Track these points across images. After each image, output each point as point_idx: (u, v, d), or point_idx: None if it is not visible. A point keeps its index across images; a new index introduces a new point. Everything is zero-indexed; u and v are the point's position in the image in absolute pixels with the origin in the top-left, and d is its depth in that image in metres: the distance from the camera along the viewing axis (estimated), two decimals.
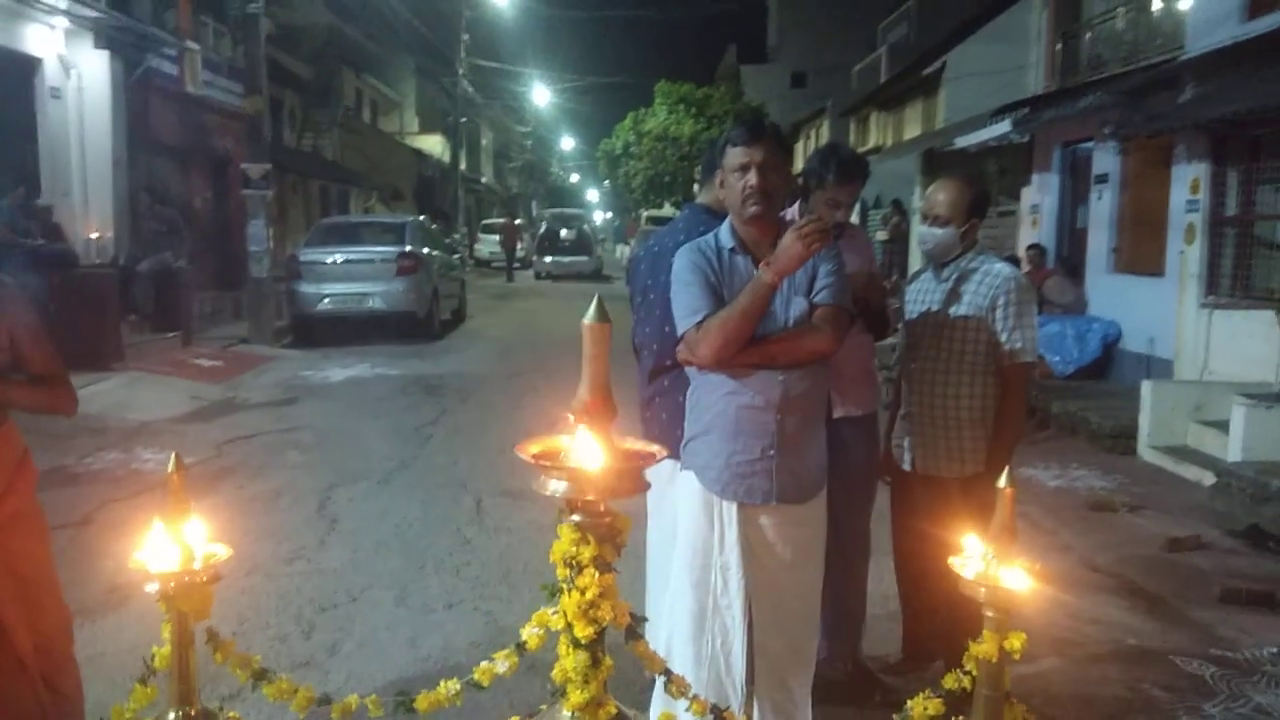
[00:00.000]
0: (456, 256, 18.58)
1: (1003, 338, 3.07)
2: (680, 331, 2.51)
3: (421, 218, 17.83)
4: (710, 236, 2.59)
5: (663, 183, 31.83)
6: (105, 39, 11.82)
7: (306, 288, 13.10)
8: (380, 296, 13.19)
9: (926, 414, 3.19)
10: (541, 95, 43.75)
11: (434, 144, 33.73)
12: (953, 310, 3.13)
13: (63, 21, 11.13)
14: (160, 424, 7.89)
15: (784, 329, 2.46)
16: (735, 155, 2.46)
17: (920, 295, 3.28)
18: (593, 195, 68.72)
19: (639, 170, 31.97)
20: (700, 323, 2.44)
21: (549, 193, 63.15)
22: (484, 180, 43.60)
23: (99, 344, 9.50)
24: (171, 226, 12.31)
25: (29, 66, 11.03)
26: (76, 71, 11.55)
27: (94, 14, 11.40)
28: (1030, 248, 11.54)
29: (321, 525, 5.36)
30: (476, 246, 32.92)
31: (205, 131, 15.62)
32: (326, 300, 13.11)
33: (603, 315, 1.62)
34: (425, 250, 14.17)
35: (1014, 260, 9.81)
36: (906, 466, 3.27)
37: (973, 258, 3.17)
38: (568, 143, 62.59)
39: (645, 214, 33.04)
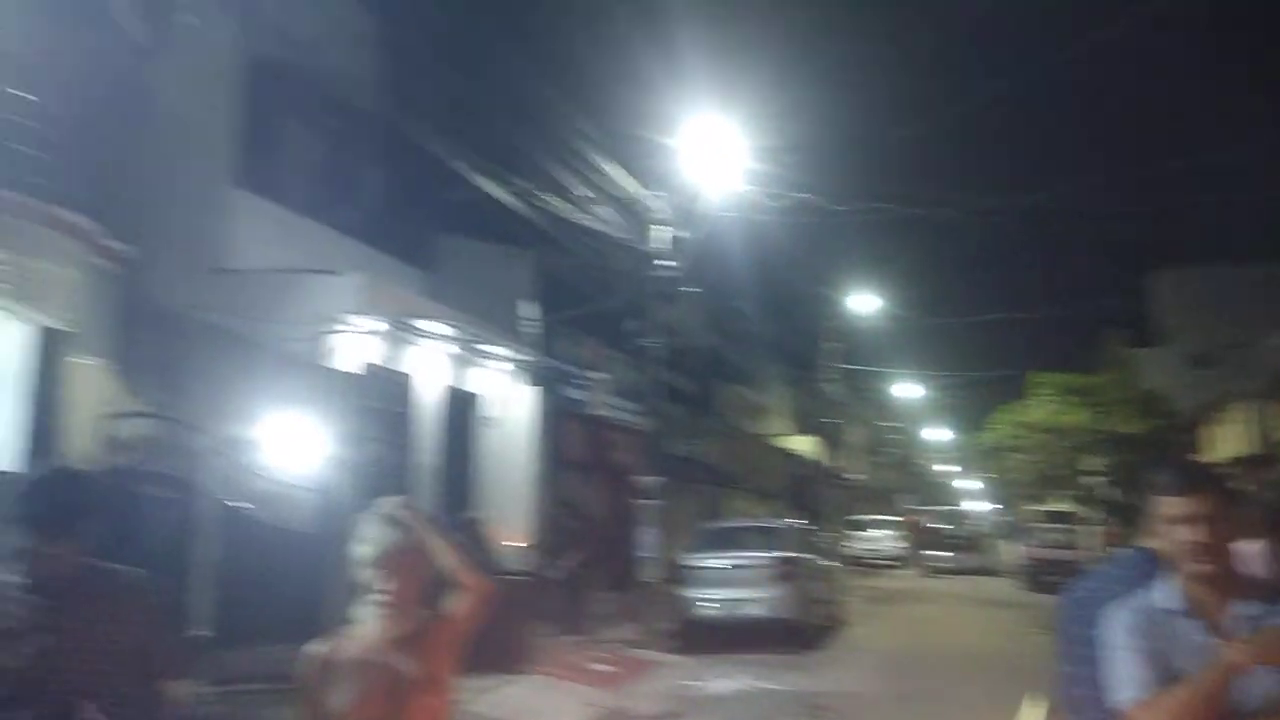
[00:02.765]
0: (829, 561, 18.35)
1: None
2: (1122, 705, 2.20)
3: (795, 520, 18.04)
4: (1148, 595, 2.31)
5: (1055, 476, 29.77)
6: (533, 376, 14.01)
7: (689, 593, 13.57)
8: (759, 603, 13.26)
9: None
10: (907, 391, 44.03)
11: (804, 444, 34.76)
12: None
13: (503, 367, 13.43)
14: None
15: (1253, 714, 2.06)
16: (1170, 506, 2.22)
17: None
18: (964, 485, 65.96)
19: (1026, 463, 30.30)
20: (1145, 701, 2.12)
21: (920, 486, 61.52)
22: (854, 476, 43.68)
23: (510, 647, 10.36)
24: (577, 535, 13.60)
25: (469, 400, 13.29)
26: (507, 403, 13.72)
27: (529, 359, 13.66)
28: None
29: None
30: (849, 544, 32.42)
31: (607, 447, 17.48)
32: (708, 605, 13.43)
33: None
34: (801, 554, 14.21)
35: None
36: None
37: None
38: (935, 434, 61.54)
39: (1041, 508, 30.86)
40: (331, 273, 9.85)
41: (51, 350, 6.17)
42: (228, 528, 7.17)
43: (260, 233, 10.55)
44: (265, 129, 11.20)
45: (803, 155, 15.77)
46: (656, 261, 14.64)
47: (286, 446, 8.43)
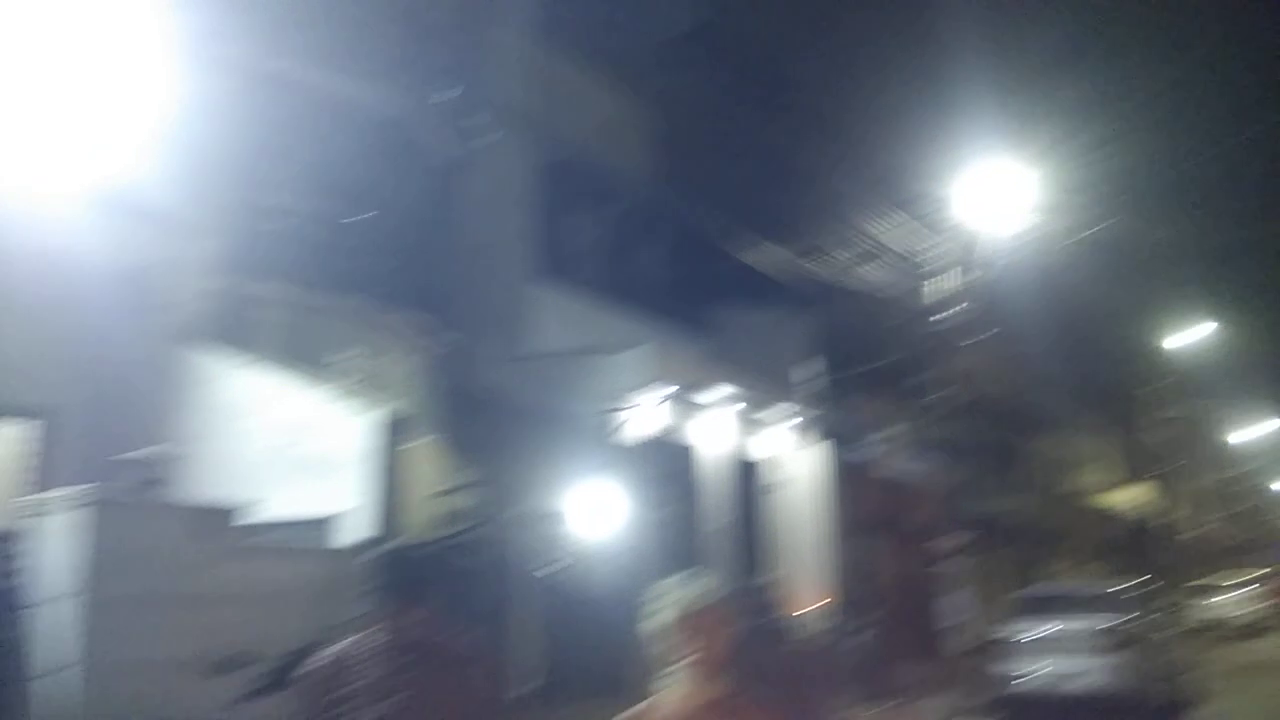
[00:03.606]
0: (1173, 628, 16.25)
1: None
2: None
3: (1128, 582, 16.23)
4: None
5: None
6: (819, 437, 13.84)
7: (1008, 664, 12.56)
8: (1089, 675, 11.99)
9: None
10: (1256, 430, 38.55)
11: (1132, 496, 31.31)
12: None
13: (788, 429, 13.42)
14: None
15: None
16: None
17: None
18: None
19: None
20: None
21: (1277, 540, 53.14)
22: (1196, 530, 38.60)
23: (812, 716, 10.12)
24: (875, 601, 13.11)
25: (756, 465, 13.32)
26: (794, 466, 13.63)
27: (813, 419, 13.55)
28: None
29: None
30: (1198, 608, 28.51)
31: (902, 507, 16.79)
32: (1030, 678, 12.34)
33: None
34: (1138, 620, 12.72)
35: None
36: None
37: None
38: None
39: None
40: (624, 349, 10.43)
41: (389, 435, 7.03)
42: (544, 592, 7.69)
43: (558, 318, 11.45)
44: (559, 223, 12.22)
45: (1099, 184, 14.61)
46: (941, 312, 14.09)
47: (590, 515, 8.95)
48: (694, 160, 14.23)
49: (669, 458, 10.88)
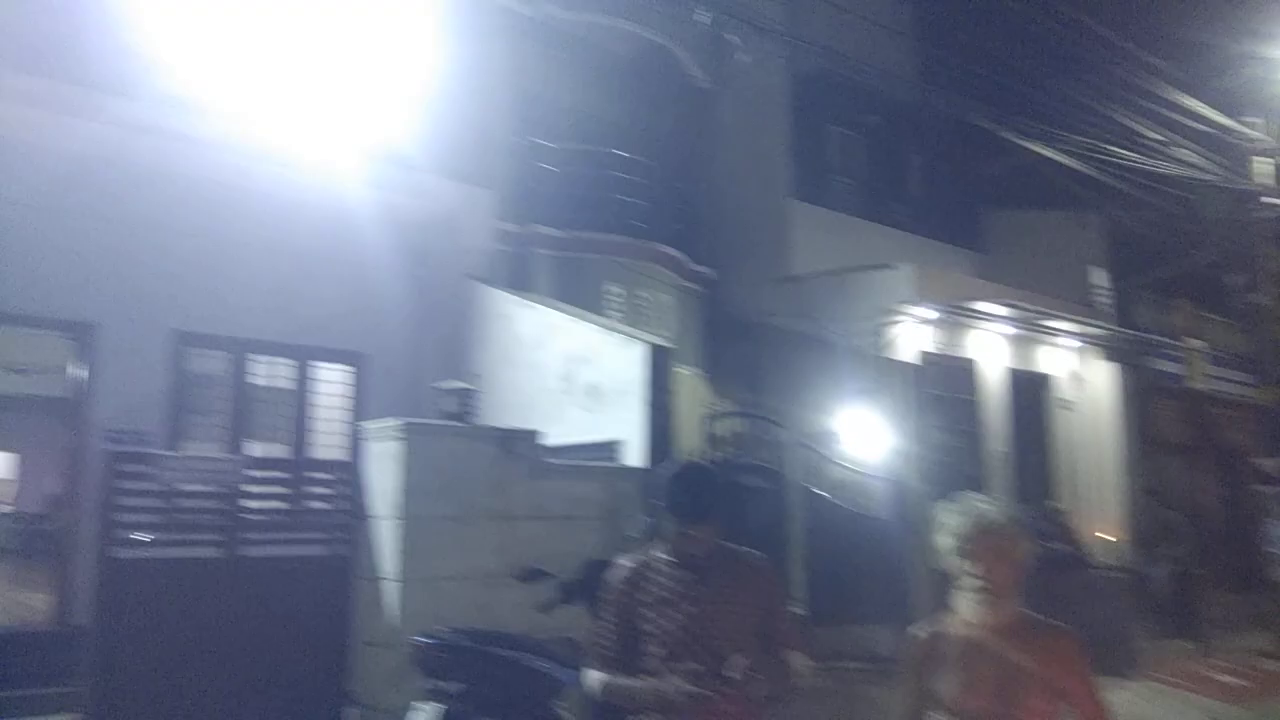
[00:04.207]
0: None
1: None
2: None
3: None
4: None
5: None
6: (1113, 352, 12.68)
7: None
8: None
9: None
10: None
11: None
12: None
13: (1074, 343, 12.39)
14: None
15: None
16: None
17: None
18: None
19: None
20: None
21: None
22: None
23: (1111, 649, 9.48)
24: (1181, 527, 11.97)
25: (1040, 382, 12.45)
26: (1086, 383, 12.59)
27: (1104, 333, 12.41)
28: None
29: None
30: None
31: (1210, 426, 15.09)
32: None
33: None
34: None
35: None
36: None
37: None
38: None
39: None
40: (884, 266, 10.05)
41: (659, 363, 7.26)
42: (812, 514, 7.72)
43: (816, 238, 11.22)
44: (812, 140, 11.89)
45: None
46: (1264, 199, 12.25)
47: (858, 437, 8.82)
48: (958, 54, 13.21)
49: (940, 376, 10.43)
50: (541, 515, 6.31)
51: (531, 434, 6.40)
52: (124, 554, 5.20)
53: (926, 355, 10.24)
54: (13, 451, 14.17)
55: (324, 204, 8.20)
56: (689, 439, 7.46)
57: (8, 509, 13.43)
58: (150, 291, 7.51)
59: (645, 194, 10.55)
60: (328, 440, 8.45)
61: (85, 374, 7.46)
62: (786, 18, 10.85)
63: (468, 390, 6.40)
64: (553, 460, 6.58)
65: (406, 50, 8.48)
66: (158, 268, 7.53)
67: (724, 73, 11.01)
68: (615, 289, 9.76)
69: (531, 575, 4.87)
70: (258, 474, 5.94)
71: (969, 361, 11.05)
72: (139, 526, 5.16)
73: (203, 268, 7.71)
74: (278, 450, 8.21)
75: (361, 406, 8.63)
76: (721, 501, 2.86)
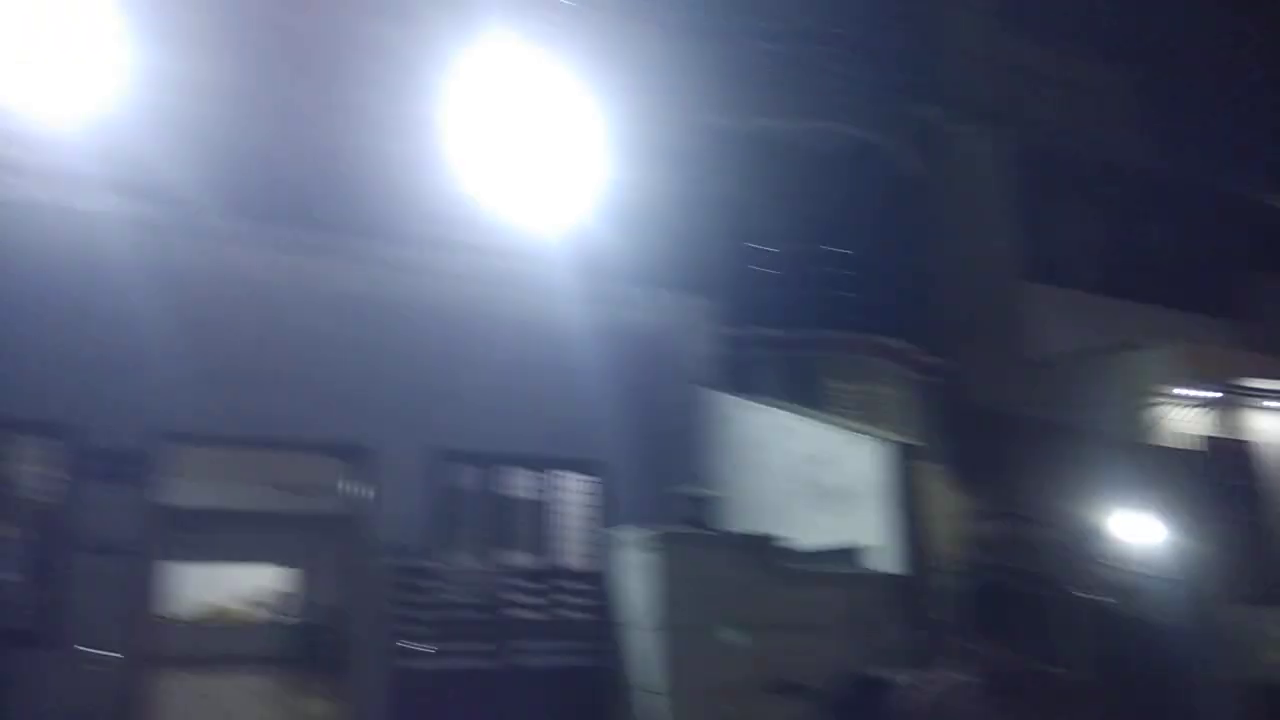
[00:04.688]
0: None
1: None
2: None
3: None
4: None
5: None
6: None
7: None
8: None
9: None
10: None
11: None
12: None
13: None
14: None
15: None
16: None
17: None
18: None
19: None
20: None
21: None
22: None
23: None
24: None
25: None
26: None
27: None
28: None
29: None
30: None
31: None
32: None
33: None
34: None
35: None
36: None
37: None
38: None
39: None
40: (1144, 345, 9.31)
41: (901, 462, 7.01)
42: (1096, 624, 7.05)
43: (1054, 318, 10.59)
44: (1042, 216, 11.38)
45: None
46: None
47: (1132, 534, 8.04)
48: (1190, 117, 12.36)
49: (1221, 463, 9.40)
50: (792, 624, 6.15)
51: (778, 540, 6.32)
52: (408, 664, 5.50)
53: (1200, 440, 9.29)
54: (294, 566, 15.49)
55: (556, 323, 8.66)
56: (940, 542, 7.09)
57: (291, 620, 14.61)
58: (414, 414, 8.13)
59: (865, 287, 10.41)
60: (573, 549, 8.71)
61: (359, 492, 8.12)
62: (1008, 96, 10.59)
63: (709, 497, 6.43)
64: (799, 566, 6.44)
65: (622, 172, 8.94)
66: (420, 392, 8.17)
67: (940, 157, 10.83)
68: (843, 386, 9.60)
69: (787, 689, 4.73)
70: (523, 584, 6.17)
71: (1249, 444, 9.92)
72: (420, 637, 5.47)
73: (457, 390, 8.28)
74: (528, 560, 8.54)
75: (601, 514, 8.87)
76: (1011, 614, 2.68)
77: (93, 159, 6.90)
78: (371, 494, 8.01)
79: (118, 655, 6.60)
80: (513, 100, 8.58)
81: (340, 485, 8.62)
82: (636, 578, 6.01)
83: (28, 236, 6.90)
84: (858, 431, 7.48)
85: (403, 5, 8.52)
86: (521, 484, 8.79)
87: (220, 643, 13.47)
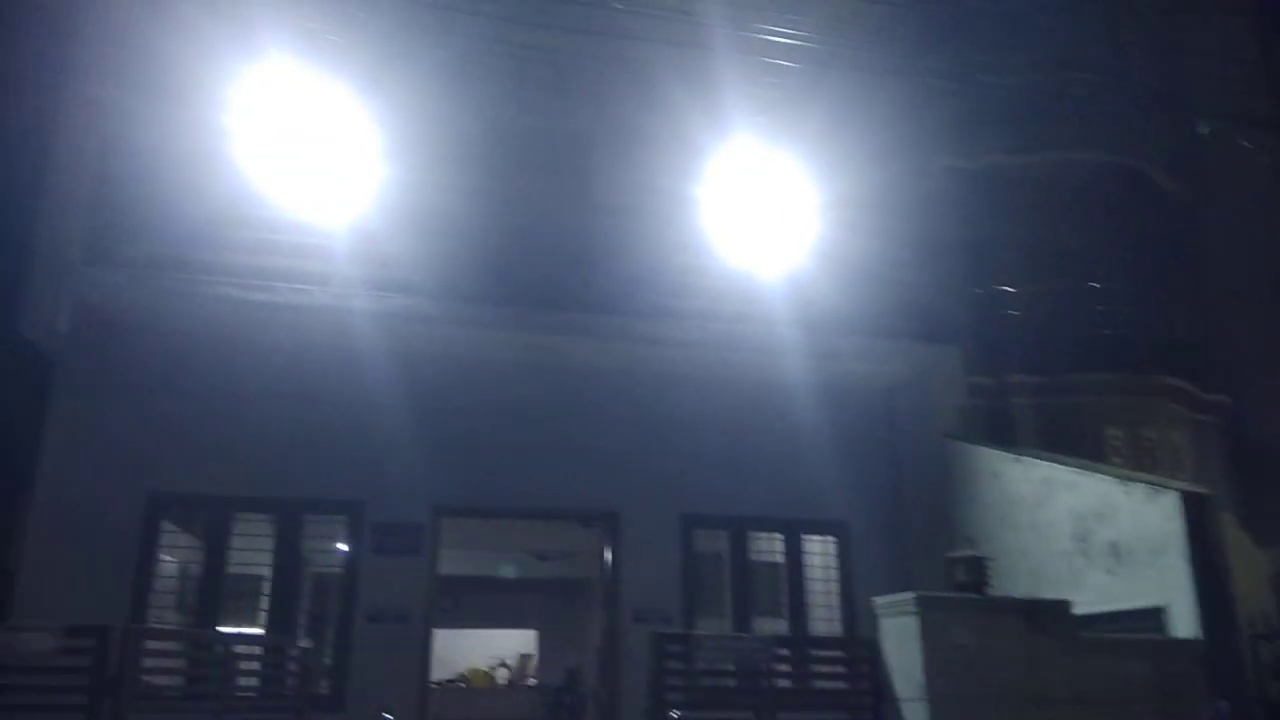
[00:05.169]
0: None
1: None
2: None
3: None
4: None
5: None
6: None
7: None
8: None
9: None
10: None
11: None
12: None
13: None
14: None
15: None
16: None
17: None
18: None
19: None
20: None
21: None
22: None
23: None
24: None
25: None
26: None
27: None
28: None
29: None
30: None
31: None
32: None
33: None
34: None
35: None
36: None
37: None
38: None
39: None
40: None
41: (1198, 514, 6.26)
42: None
43: None
44: None
45: None
46: None
47: None
48: None
49: None
50: (1083, 698, 5.57)
51: (1061, 605, 5.79)
52: None
53: None
54: (536, 629, 16.02)
55: (792, 383, 8.55)
56: (1246, 603, 6.25)
57: (533, 682, 15.05)
58: (658, 480, 8.24)
59: (1130, 323, 9.58)
60: (822, 614, 8.45)
61: (608, 557, 8.27)
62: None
63: (980, 559, 5.99)
64: (1087, 634, 5.85)
65: (848, 227, 8.73)
66: (663, 458, 8.29)
67: (1209, 176, 9.86)
68: (1115, 432, 8.79)
69: None
70: (777, 651, 6.00)
71: None
72: (675, 704, 5.42)
73: (699, 454, 8.33)
74: (779, 625, 8.35)
75: (848, 577, 8.57)
76: None
77: (358, 262, 7.56)
78: (620, 559, 8.15)
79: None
80: (730, 169, 8.63)
81: (590, 551, 8.84)
82: (898, 645, 5.67)
83: (317, 337, 7.70)
84: (1143, 481, 6.77)
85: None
86: (766, 547, 8.67)
87: (477, 705, 14.03)
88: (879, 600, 6.00)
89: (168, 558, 7.53)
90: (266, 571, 7.52)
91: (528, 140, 8.58)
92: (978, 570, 5.93)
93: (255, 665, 6.14)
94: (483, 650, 15.41)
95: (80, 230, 7.15)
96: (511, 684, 15.02)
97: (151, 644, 5.47)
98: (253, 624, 7.63)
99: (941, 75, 8.48)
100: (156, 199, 7.20)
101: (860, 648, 6.13)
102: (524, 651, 15.97)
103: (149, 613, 7.12)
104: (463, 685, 14.41)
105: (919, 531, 8.52)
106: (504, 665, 15.38)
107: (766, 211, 8.62)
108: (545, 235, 8.19)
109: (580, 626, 15.03)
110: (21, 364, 6.57)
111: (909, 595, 5.70)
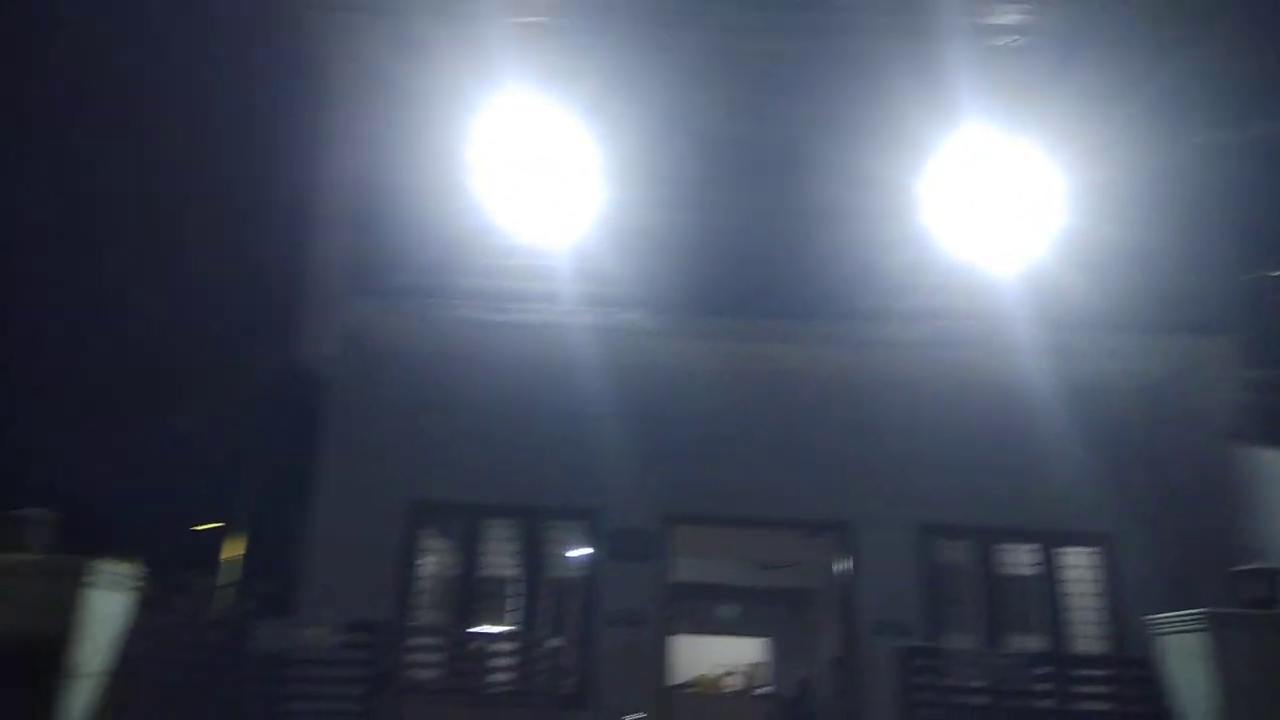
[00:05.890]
0: None
1: None
2: None
3: None
4: None
5: None
6: None
7: None
8: None
9: None
10: None
11: None
12: None
13: None
14: None
15: None
16: None
17: None
18: None
19: None
20: None
21: None
22: None
23: None
24: None
25: None
26: None
27: None
28: None
29: None
30: None
31: None
32: None
33: None
34: None
35: None
36: None
37: None
38: None
39: None
40: None
41: None
42: None
43: None
44: None
45: None
46: None
47: None
48: None
49: None
50: None
51: None
52: None
53: None
54: (765, 637, 15.97)
55: (1039, 383, 8.00)
56: None
57: (767, 689, 14.99)
58: (896, 488, 7.97)
59: None
60: (1082, 630, 7.83)
61: (844, 567, 8.06)
62: None
63: (1275, 571, 5.34)
64: None
65: (1103, 212, 8.05)
66: (900, 465, 8.01)
67: None
68: None
69: None
70: (1037, 669, 5.62)
71: None
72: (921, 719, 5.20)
73: (938, 461, 7.98)
74: (1036, 642, 7.82)
75: (1114, 591, 7.90)
76: None
77: (581, 280, 7.79)
78: (857, 568, 7.92)
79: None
80: (959, 160, 8.20)
81: (815, 560, 8.66)
82: (1182, 665, 5.14)
83: (549, 353, 8.05)
84: None
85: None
86: (1017, 559, 8.15)
87: (707, 710, 14.12)
88: (1156, 617, 5.48)
89: (428, 560, 8.10)
90: (514, 574, 7.92)
91: (742, 149, 8.54)
92: (1272, 584, 5.29)
93: (510, 661, 6.46)
94: (710, 657, 15.53)
95: (343, 263, 7.86)
96: (741, 692, 15.02)
97: (417, 640, 5.90)
98: (501, 624, 8.06)
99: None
100: (407, 231, 7.79)
101: (1134, 667, 5.65)
102: (754, 660, 15.94)
103: (413, 613, 7.68)
104: (698, 691, 14.56)
105: (1194, 543, 7.73)
106: (734, 673, 15.41)
107: (1002, 203, 8.13)
108: (762, 243, 8.11)
109: (810, 636, 14.81)
110: (301, 388, 7.32)
111: (1196, 611, 5.17)
